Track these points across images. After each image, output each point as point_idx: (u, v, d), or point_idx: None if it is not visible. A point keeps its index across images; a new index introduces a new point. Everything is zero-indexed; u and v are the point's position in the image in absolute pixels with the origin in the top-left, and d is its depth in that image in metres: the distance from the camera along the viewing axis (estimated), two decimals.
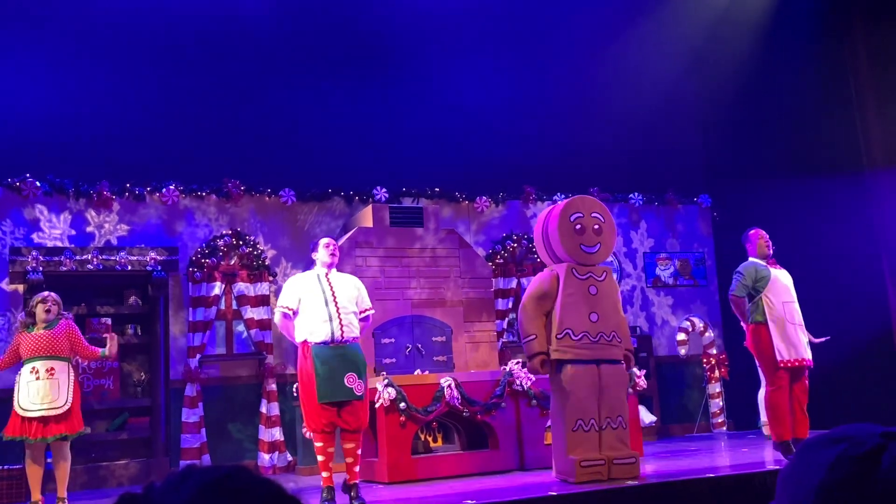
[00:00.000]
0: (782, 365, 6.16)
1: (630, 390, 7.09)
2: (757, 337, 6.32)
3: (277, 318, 5.75)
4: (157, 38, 8.57)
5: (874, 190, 8.81)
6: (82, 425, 6.04)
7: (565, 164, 9.92)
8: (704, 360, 9.86)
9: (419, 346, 8.08)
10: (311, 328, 5.44)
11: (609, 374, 5.65)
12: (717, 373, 9.78)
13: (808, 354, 6.27)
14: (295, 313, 5.56)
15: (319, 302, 5.47)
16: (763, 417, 7.35)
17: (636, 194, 10.43)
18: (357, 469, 5.43)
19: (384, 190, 9.12)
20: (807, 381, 6.30)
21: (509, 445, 6.71)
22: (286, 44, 9.12)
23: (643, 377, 7.41)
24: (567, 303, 5.63)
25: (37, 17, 8.27)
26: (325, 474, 5.37)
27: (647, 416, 8.91)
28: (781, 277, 6.42)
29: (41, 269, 7.45)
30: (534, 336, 5.66)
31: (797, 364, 6.19)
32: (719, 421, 9.76)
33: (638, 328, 10.05)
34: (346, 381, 5.31)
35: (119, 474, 7.49)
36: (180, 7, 8.64)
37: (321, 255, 5.68)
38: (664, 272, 10.50)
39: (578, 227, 5.83)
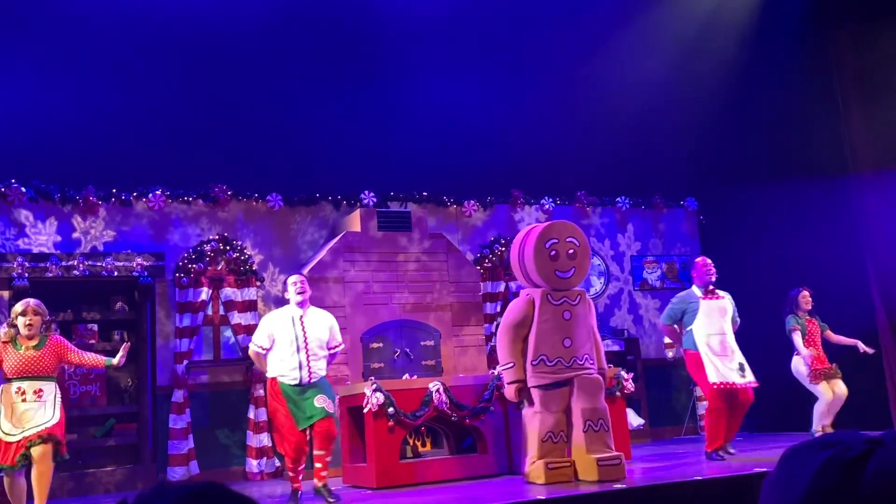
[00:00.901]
0: (714, 387, 6.63)
1: (618, 393, 7.13)
2: (691, 362, 6.87)
3: (251, 353, 6.12)
4: (144, 44, 8.54)
5: (859, 192, 8.87)
6: (63, 448, 5.63)
7: (553, 169, 9.96)
8: None
9: (407, 350, 8.08)
10: (281, 370, 5.82)
11: (585, 383, 5.83)
12: None
13: (741, 378, 6.66)
14: (267, 351, 5.93)
15: (291, 347, 5.80)
16: (816, 425, 7.47)
17: (623, 198, 10.47)
18: (324, 473, 5.82)
19: (372, 194, 9.12)
20: (742, 399, 6.73)
21: (498, 449, 6.70)
22: (273, 49, 9.11)
23: (631, 380, 7.43)
24: (542, 329, 5.83)
25: (22, 21, 8.22)
26: (292, 474, 5.89)
27: (634, 419, 8.93)
28: (715, 308, 6.82)
29: (27, 275, 7.41)
30: (512, 364, 5.90)
31: (727, 387, 6.63)
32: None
33: (625, 331, 10.09)
34: (315, 402, 5.71)
35: (106, 481, 7.44)
36: (167, 13, 8.61)
37: (290, 294, 5.98)
38: (651, 275, 10.54)
39: (553, 253, 5.98)
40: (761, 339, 9.57)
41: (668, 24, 10.31)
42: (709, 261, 7.01)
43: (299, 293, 5.91)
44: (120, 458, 7.68)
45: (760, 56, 9.64)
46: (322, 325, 5.96)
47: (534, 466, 5.76)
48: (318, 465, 5.80)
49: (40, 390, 5.57)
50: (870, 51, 8.90)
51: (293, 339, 5.80)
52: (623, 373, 7.27)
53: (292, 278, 6.05)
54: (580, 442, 5.78)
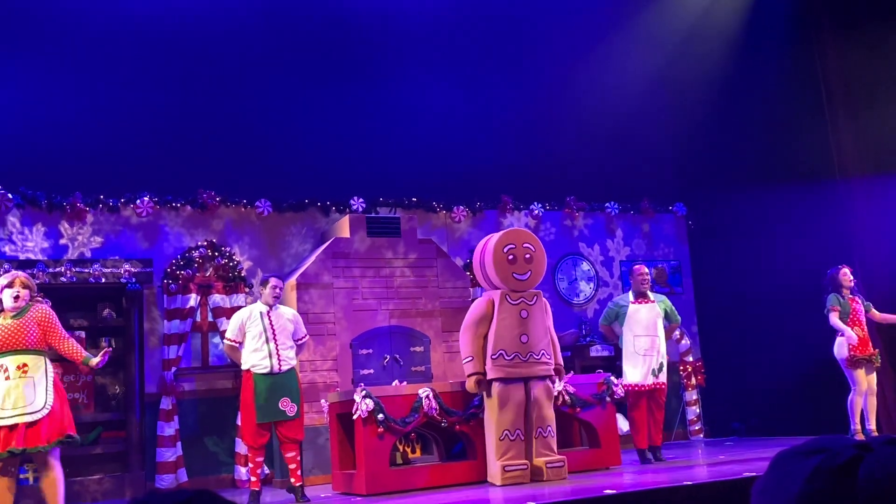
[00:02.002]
0: (630, 388, 7.26)
1: (608, 399, 7.14)
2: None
3: (225, 347, 6.62)
4: (131, 50, 8.52)
5: (846, 197, 8.92)
6: (72, 429, 5.09)
7: (542, 174, 9.98)
8: (681, 368, 9.91)
9: (397, 356, 8.06)
10: (253, 360, 6.35)
11: (538, 391, 6.35)
12: (693, 380, 9.83)
13: (656, 379, 7.27)
14: (240, 344, 6.44)
15: (261, 339, 6.36)
16: (854, 425, 7.42)
17: (612, 203, 10.49)
18: (299, 473, 6.38)
19: (361, 200, 9.11)
20: (661, 399, 7.37)
21: (488, 455, 6.68)
22: (261, 54, 9.10)
23: (620, 385, 7.43)
24: (501, 326, 6.36)
25: (8, 29, 8.18)
26: (253, 479, 6.36)
27: (624, 425, 8.92)
28: (644, 312, 7.40)
29: None
30: (471, 357, 6.37)
31: (642, 388, 7.25)
32: (696, 428, 9.81)
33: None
34: (280, 404, 6.27)
35: (93, 490, 7.39)
36: (153, 19, 8.59)
37: (266, 294, 6.53)
38: None
39: (511, 257, 6.50)
40: (750, 344, 9.61)
41: (656, 30, 10.36)
42: (644, 269, 7.67)
43: (274, 297, 6.51)
44: (107, 466, 7.63)
45: (748, 62, 9.69)
46: (286, 318, 6.52)
47: (492, 467, 6.21)
48: (291, 465, 6.37)
49: (24, 365, 4.97)
50: (856, 57, 8.95)
51: (262, 330, 6.36)
52: (613, 378, 7.27)
53: (272, 280, 6.57)
54: (532, 445, 6.31)
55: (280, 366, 6.33)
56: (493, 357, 6.28)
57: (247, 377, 6.38)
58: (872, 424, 7.42)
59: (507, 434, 6.18)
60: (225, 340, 6.56)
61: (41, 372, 5.02)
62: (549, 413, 6.39)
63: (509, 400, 6.24)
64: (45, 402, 4.94)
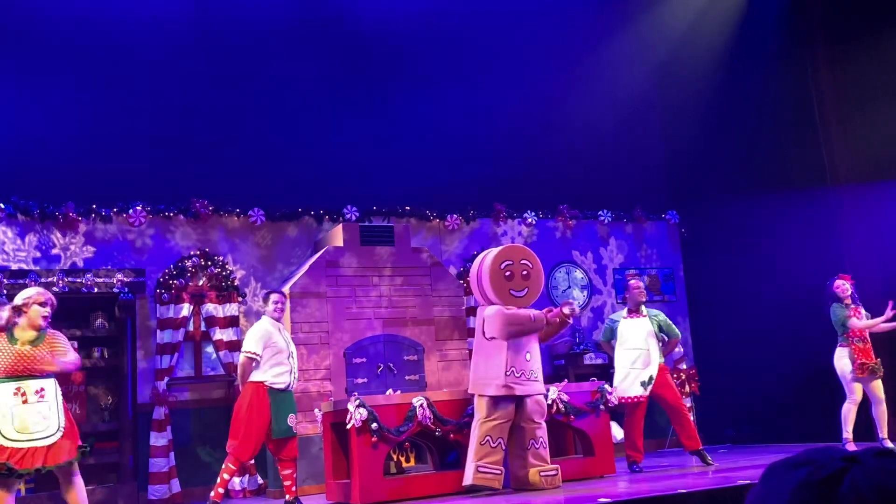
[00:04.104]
0: (619, 401, 7.27)
1: (602, 407, 7.15)
2: None
3: (244, 360, 6.45)
4: (123, 58, 8.51)
5: (837, 205, 8.95)
6: (78, 439, 5.25)
7: (535, 183, 10.00)
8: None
9: (391, 365, 8.05)
10: (269, 376, 6.35)
11: (532, 407, 6.33)
12: (687, 388, 9.83)
13: (639, 392, 7.25)
14: (260, 359, 6.38)
15: (283, 354, 6.45)
16: (845, 434, 7.43)
17: (605, 211, 10.51)
18: (294, 489, 6.44)
19: (354, 209, 9.11)
20: (639, 412, 7.33)
21: None
22: (255, 64, 9.11)
23: (614, 393, 7.43)
24: (513, 343, 6.33)
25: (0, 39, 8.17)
26: (220, 490, 6.28)
27: (618, 433, 8.92)
28: (634, 327, 7.42)
29: (5, 291, 7.32)
30: (537, 312, 6.39)
31: (625, 401, 7.28)
32: None
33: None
34: (289, 420, 6.36)
35: None
36: (145, 27, 8.60)
37: (269, 310, 6.62)
38: None
39: (508, 273, 6.47)
40: (743, 351, 9.63)
41: (648, 40, 10.40)
42: (640, 284, 7.67)
43: (279, 311, 6.58)
44: (100, 477, 7.58)
45: (739, 71, 9.74)
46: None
47: (468, 468, 6.15)
48: (287, 482, 6.39)
49: (42, 389, 5.04)
50: (846, 67, 9.00)
51: (284, 346, 6.40)
52: (606, 386, 7.27)
53: (274, 296, 6.64)
54: (525, 457, 6.27)
55: (294, 383, 6.50)
56: (507, 373, 6.21)
57: (260, 392, 6.27)
58: (884, 432, 7.37)
59: (489, 440, 6.14)
60: (245, 354, 6.37)
61: (53, 394, 5.12)
62: (542, 428, 6.40)
63: (499, 413, 6.21)
64: (59, 424, 5.06)
